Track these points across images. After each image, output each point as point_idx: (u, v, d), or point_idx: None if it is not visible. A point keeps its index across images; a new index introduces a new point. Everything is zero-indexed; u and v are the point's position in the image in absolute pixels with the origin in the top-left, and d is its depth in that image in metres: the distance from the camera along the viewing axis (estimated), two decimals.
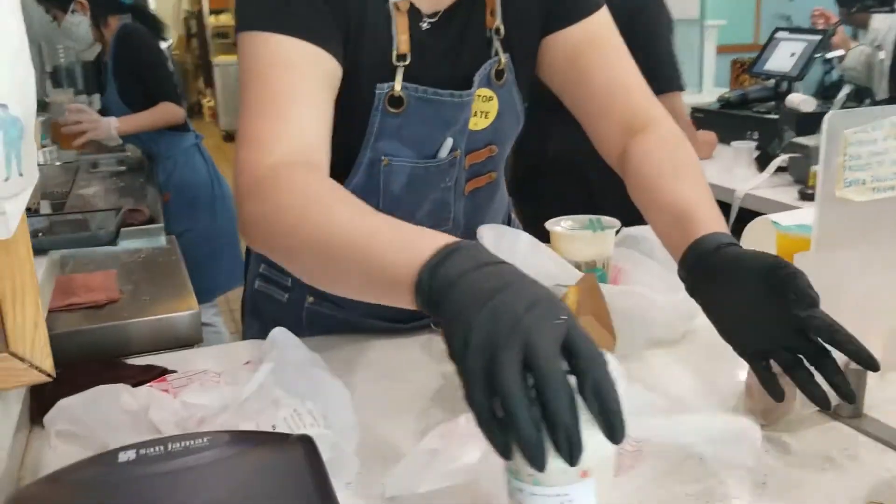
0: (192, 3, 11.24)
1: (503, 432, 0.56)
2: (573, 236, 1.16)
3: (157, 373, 1.03)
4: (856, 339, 0.77)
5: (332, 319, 1.20)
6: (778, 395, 0.82)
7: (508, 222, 1.34)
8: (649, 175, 1.01)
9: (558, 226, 1.18)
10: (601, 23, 1.12)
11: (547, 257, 1.10)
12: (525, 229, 1.19)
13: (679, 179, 0.98)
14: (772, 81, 2.65)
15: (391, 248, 0.71)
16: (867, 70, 2.85)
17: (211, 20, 9.59)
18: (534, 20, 1.10)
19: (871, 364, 0.77)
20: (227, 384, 0.93)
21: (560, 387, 0.55)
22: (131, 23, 2.91)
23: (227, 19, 9.83)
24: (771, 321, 0.80)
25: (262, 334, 1.04)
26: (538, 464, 0.55)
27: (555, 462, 0.55)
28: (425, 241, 0.69)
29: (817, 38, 2.56)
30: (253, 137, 0.90)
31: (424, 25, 1.03)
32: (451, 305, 0.62)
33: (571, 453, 0.55)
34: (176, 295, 1.56)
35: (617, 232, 1.21)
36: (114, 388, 0.90)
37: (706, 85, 3.56)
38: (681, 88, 2.41)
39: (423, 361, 1.13)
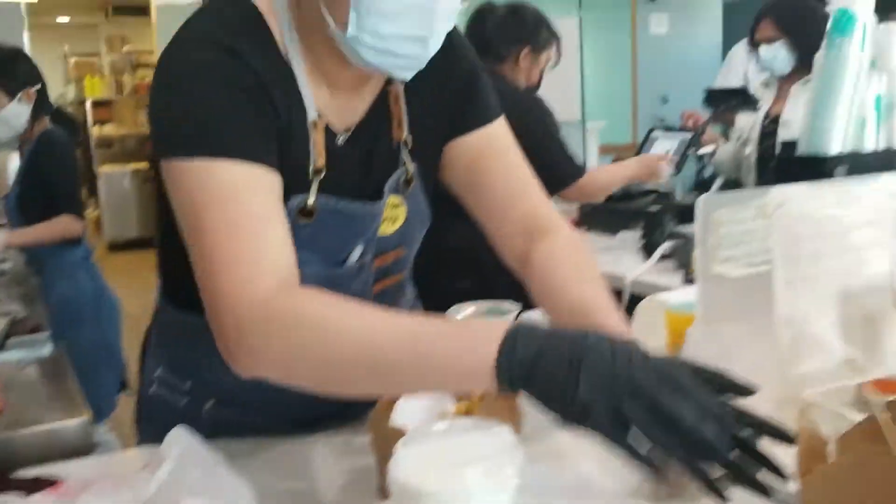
0: (76, 112, 11.12)
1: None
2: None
3: (48, 484, 0.98)
4: (769, 420, 0.80)
5: (235, 423, 1.17)
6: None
7: None
8: (555, 280, 1.07)
9: (461, 312, 1.21)
10: (500, 130, 1.19)
11: None
12: None
13: (584, 285, 1.05)
14: None
15: (456, 345, 0.80)
16: (736, 164, 3.07)
17: (95, 130, 9.54)
18: (438, 129, 1.16)
19: (788, 438, 0.80)
20: (126, 488, 0.89)
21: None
22: (55, 129, 2.81)
23: (111, 129, 9.86)
24: None
25: (158, 440, 1.01)
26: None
27: None
28: (485, 332, 0.79)
29: (689, 135, 2.76)
30: (229, 265, 0.90)
31: (340, 140, 1.07)
32: (543, 379, 0.74)
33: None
34: (65, 404, 1.49)
35: (517, 316, 1.25)
36: (2, 499, 0.85)
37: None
38: (582, 173, 2.53)
39: (327, 460, 1.11)
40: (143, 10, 7.79)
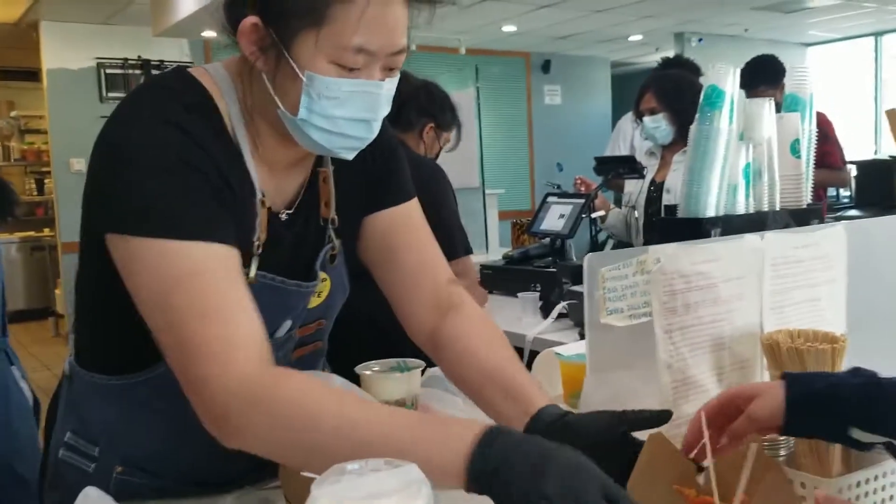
0: None
1: None
2: (383, 378, 1.24)
3: None
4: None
5: (143, 488, 1.17)
6: None
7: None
8: (468, 353, 1.14)
9: (368, 370, 1.26)
10: (413, 209, 1.26)
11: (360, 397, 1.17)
12: None
13: (497, 357, 1.12)
14: (547, 240, 2.96)
15: (432, 440, 0.84)
16: (626, 227, 3.26)
17: None
18: (359, 205, 1.22)
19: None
20: None
21: None
22: None
23: None
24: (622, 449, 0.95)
25: None
26: None
27: None
28: (461, 430, 0.83)
29: (581, 201, 2.92)
30: (206, 348, 0.91)
31: (283, 217, 1.12)
32: (506, 482, 0.78)
33: None
34: None
35: (422, 372, 1.31)
36: None
37: (492, 246, 3.88)
38: (469, 251, 2.65)
39: None
40: (34, 75, 7.62)
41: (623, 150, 4.61)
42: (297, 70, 0.98)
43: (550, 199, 3.07)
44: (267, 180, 1.09)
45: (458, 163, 3.52)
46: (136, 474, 1.16)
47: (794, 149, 2.08)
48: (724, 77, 1.86)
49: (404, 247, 1.23)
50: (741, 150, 1.96)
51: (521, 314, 2.52)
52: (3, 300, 2.42)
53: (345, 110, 1.00)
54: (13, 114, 9.90)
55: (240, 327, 0.93)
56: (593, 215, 2.97)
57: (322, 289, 1.18)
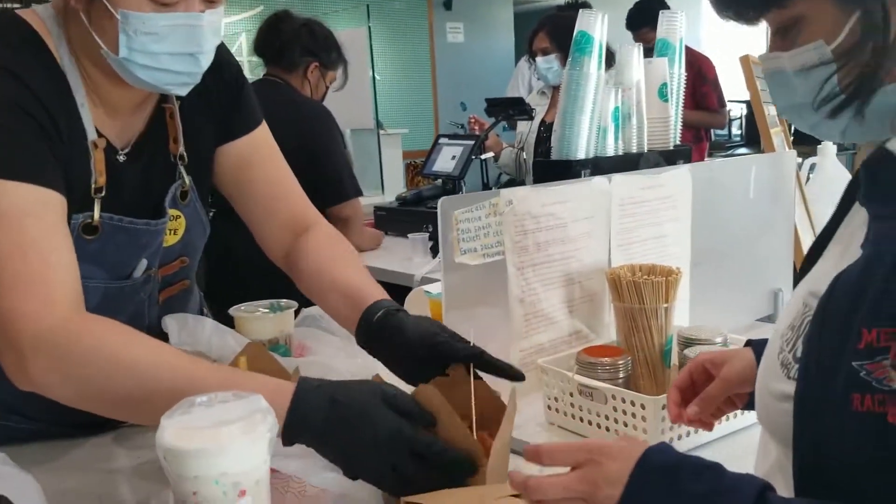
0: None
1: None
2: (254, 318, 1.30)
3: None
4: (500, 360, 0.98)
5: (20, 432, 1.20)
6: None
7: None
8: (317, 266, 1.19)
9: (240, 311, 1.31)
10: (263, 136, 1.28)
11: (231, 338, 1.22)
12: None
13: (342, 266, 1.18)
14: (440, 181, 3.03)
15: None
16: (517, 167, 3.35)
17: None
18: (207, 137, 1.23)
19: (518, 376, 0.99)
20: None
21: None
22: None
23: None
24: (435, 360, 1.00)
25: None
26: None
27: (213, 488, 0.68)
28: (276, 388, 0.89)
29: (472, 142, 2.99)
30: (19, 287, 0.92)
31: (121, 158, 1.12)
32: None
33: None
34: None
35: (297, 312, 1.37)
36: None
37: (396, 187, 3.93)
38: (359, 193, 2.70)
39: (117, 452, 1.18)
40: None
41: (522, 91, 4.68)
42: (110, 7, 0.97)
43: (442, 140, 3.13)
44: (106, 122, 1.09)
45: (350, 103, 3.53)
46: (12, 419, 1.19)
47: (662, 93, 2.18)
48: (594, 23, 1.94)
49: (258, 176, 1.26)
50: (610, 94, 2.06)
51: (411, 254, 2.59)
52: None
53: (165, 45, 0.99)
54: None
55: (58, 271, 0.95)
56: (483, 156, 3.05)
57: (177, 226, 1.20)
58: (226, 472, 0.70)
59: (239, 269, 2.26)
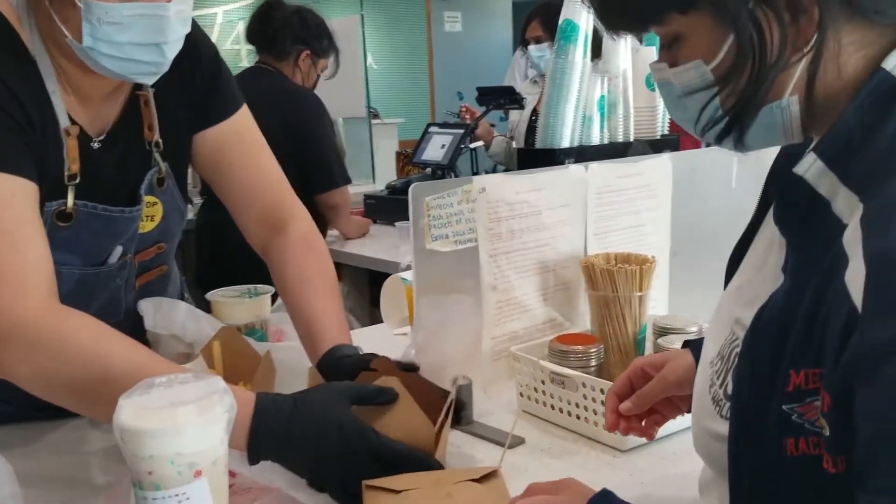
0: None
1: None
2: (230, 302, 1.30)
3: None
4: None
5: None
6: None
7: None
8: (289, 284, 1.20)
9: (216, 295, 1.31)
10: (242, 121, 1.27)
11: (206, 322, 1.23)
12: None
13: (309, 292, 1.18)
14: (429, 170, 3.03)
15: None
16: (508, 155, 3.36)
17: None
18: (183, 123, 1.22)
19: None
20: None
21: None
22: None
23: None
24: None
25: None
26: None
27: (169, 468, 0.69)
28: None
29: (461, 131, 2.99)
30: None
31: (95, 146, 1.11)
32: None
33: None
34: None
35: (275, 298, 1.37)
36: None
37: (388, 176, 3.92)
38: (348, 181, 2.70)
39: (91, 435, 1.18)
40: None
41: (518, 81, 4.67)
42: None
43: (432, 129, 3.13)
44: (78, 110, 1.09)
45: (343, 91, 3.52)
46: None
47: (650, 82, 2.19)
48: (579, 11, 1.94)
49: (236, 163, 1.25)
50: (596, 83, 2.06)
51: (398, 242, 2.60)
52: None
53: (129, 35, 0.98)
54: None
55: (31, 262, 0.95)
56: (472, 145, 3.05)
57: (154, 213, 1.20)
58: (181, 452, 0.70)
59: (232, 257, 2.27)
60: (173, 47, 1.04)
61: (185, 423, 0.71)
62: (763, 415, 0.63)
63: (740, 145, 0.69)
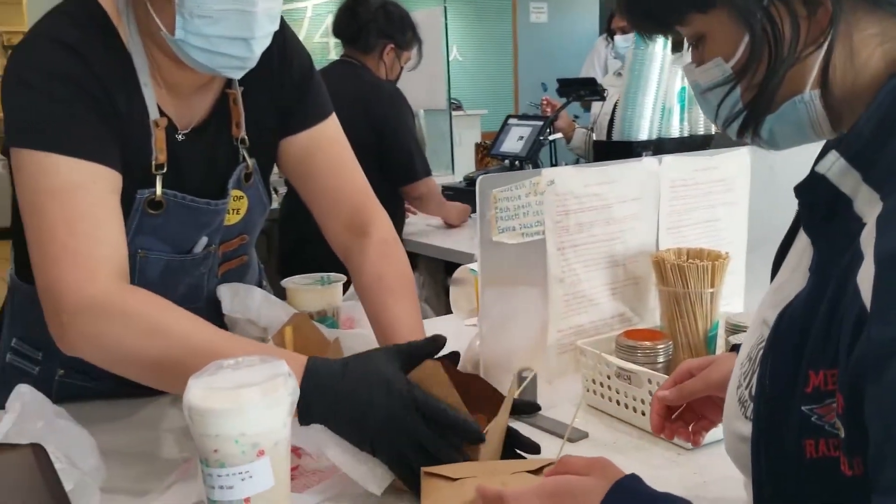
0: None
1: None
2: (303, 289, 1.34)
3: None
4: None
5: (84, 390, 1.26)
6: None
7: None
8: (364, 287, 1.24)
9: (291, 282, 1.35)
10: (330, 128, 1.30)
11: (280, 308, 1.26)
12: None
13: (384, 294, 1.21)
14: (507, 162, 3.03)
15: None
16: (588, 148, 3.32)
17: None
18: (270, 125, 1.26)
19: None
20: None
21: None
22: None
23: None
24: None
25: None
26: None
27: (233, 447, 0.72)
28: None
29: (540, 123, 2.97)
30: (66, 257, 0.98)
31: (180, 137, 1.16)
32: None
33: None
34: None
35: (347, 287, 1.40)
36: None
37: (463, 167, 3.94)
38: (428, 174, 2.73)
39: (171, 413, 1.23)
40: None
41: (597, 71, 4.61)
42: None
43: (511, 120, 3.13)
44: (168, 102, 1.14)
45: (424, 83, 3.55)
46: (77, 377, 1.26)
47: None
48: None
49: (322, 171, 1.28)
50: (677, 74, 2.02)
51: (474, 234, 2.61)
52: None
53: (219, 28, 1.02)
54: None
55: (103, 245, 1.00)
56: (550, 137, 3.03)
57: (239, 206, 1.24)
58: (244, 432, 0.73)
59: (315, 246, 2.33)
60: (261, 43, 1.07)
61: (249, 404, 0.74)
62: (784, 416, 0.62)
63: (761, 140, 0.69)
